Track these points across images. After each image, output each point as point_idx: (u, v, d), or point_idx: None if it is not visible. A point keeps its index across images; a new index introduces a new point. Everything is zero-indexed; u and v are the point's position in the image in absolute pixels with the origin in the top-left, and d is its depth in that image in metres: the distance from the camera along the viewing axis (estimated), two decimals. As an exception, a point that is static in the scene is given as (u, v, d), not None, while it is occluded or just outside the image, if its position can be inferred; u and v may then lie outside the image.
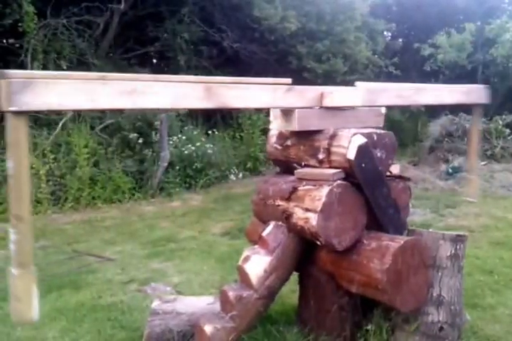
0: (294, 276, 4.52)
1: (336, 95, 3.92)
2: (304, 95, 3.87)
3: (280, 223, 4.18)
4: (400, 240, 3.77)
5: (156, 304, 4.67)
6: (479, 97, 4.89)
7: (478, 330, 4.90)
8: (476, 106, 5.01)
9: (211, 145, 13.92)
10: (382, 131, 4.00)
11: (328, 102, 3.92)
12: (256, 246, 4.25)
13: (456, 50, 18.58)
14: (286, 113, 3.95)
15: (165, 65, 16.99)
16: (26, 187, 2.77)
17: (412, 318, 3.97)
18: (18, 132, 2.71)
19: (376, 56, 19.21)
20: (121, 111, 13.20)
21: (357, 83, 4.22)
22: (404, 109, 19.28)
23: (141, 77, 3.23)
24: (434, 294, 3.97)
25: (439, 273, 3.98)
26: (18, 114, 2.70)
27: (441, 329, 3.93)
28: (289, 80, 3.80)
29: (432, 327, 3.94)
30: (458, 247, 3.98)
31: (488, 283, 6.19)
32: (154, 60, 18.58)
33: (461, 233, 4.10)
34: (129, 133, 12.96)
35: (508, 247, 7.66)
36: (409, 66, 20.11)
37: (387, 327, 4.02)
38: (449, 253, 3.97)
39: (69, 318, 5.40)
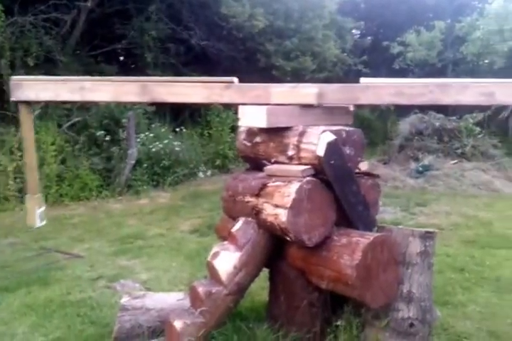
0: (264, 273, 4.57)
1: (284, 94, 4.01)
2: (245, 93, 4.10)
3: (250, 219, 4.22)
4: (370, 236, 3.82)
5: (125, 300, 4.69)
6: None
7: (448, 327, 5.02)
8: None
9: (179, 143, 13.94)
10: (351, 129, 4.06)
11: (274, 100, 4.04)
12: (225, 242, 4.28)
13: (425, 48, 18.80)
14: (255, 110, 4.00)
15: (132, 62, 16.95)
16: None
17: (382, 314, 4.02)
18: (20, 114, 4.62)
19: (345, 54, 19.38)
20: (86, 108, 13.20)
21: (362, 79, 4.25)
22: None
23: (92, 78, 4.66)
24: (404, 290, 4.02)
25: (409, 270, 4.03)
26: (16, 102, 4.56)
27: (411, 325, 3.99)
28: (234, 79, 4.14)
29: (402, 323, 4.00)
30: (427, 244, 4.04)
31: (459, 280, 6.32)
32: (121, 58, 18.49)
33: (430, 230, 4.17)
34: (96, 130, 12.97)
35: (478, 245, 7.82)
36: (379, 64, 20.29)
37: (357, 323, 4.06)
38: (418, 250, 4.03)
39: (38, 314, 5.43)
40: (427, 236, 4.04)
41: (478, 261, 7.05)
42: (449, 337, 4.82)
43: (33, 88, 4.43)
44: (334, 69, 18.87)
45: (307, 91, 4.06)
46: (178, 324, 3.95)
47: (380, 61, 20.98)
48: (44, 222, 4.88)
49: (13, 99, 4.47)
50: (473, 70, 19.13)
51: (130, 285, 6.00)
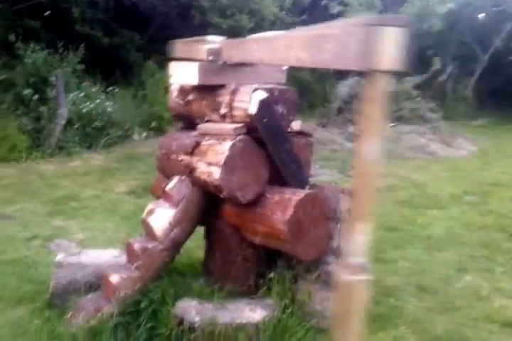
0: (200, 232, 4.82)
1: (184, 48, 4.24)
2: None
3: (184, 177, 4.45)
4: (302, 193, 4.09)
5: (60, 257, 4.85)
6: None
7: (378, 282, 5.32)
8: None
9: (112, 103, 13.79)
10: (284, 87, 4.23)
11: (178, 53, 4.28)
12: (160, 200, 4.52)
13: (365, 8, 18.90)
14: (186, 67, 4.17)
15: (57, 17, 16.55)
16: None
17: (313, 268, 4.33)
18: None
19: (284, 13, 19.18)
20: (11, 65, 13.01)
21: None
22: (312, 69, 19.61)
23: None
24: (334, 245, 4.31)
25: (339, 225, 4.31)
26: None
27: (340, 277, 4.32)
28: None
29: (332, 275, 4.31)
30: (357, 201, 4.34)
31: (391, 238, 6.70)
32: (47, 12, 18.03)
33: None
34: (23, 89, 12.71)
35: (411, 206, 8.27)
36: (317, 23, 20.35)
37: (289, 276, 4.34)
38: (348, 207, 4.29)
39: (-29, 272, 5.52)
40: (356, 194, 4.33)
41: (410, 220, 7.47)
42: (379, 290, 5.10)
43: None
44: (272, 28, 18.55)
45: (201, 47, 4.19)
46: (114, 278, 4.18)
47: (319, 21, 20.78)
48: None
49: None
50: (413, 32, 19.37)
51: (66, 245, 6.11)
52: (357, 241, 2.60)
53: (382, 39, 2.36)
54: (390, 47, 2.39)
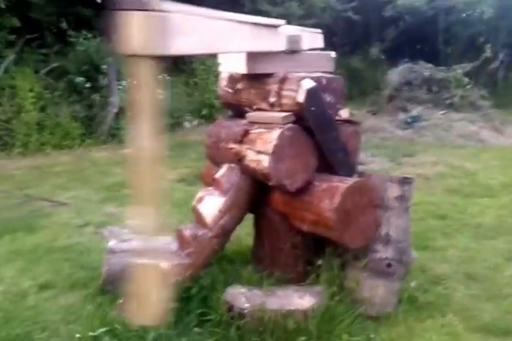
0: (250, 220, 4.87)
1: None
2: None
3: (233, 165, 4.49)
4: (349, 181, 4.14)
5: (113, 243, 4.96)
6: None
7: (427, 269, 5.37)
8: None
9: (163, 91, 13.80)
10: (331, 76, 4.26)
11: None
12: (210, 188, 4.57)
13: (417, -3, 18.66)
14: (235, 55, 4.20)
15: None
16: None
17: (361, 255, 4.36)
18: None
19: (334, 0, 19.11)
20: (64, 54, 13.15)
21: None
22: (365, 56, 19.51)
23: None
24: (382, 233, 4.34)
25: (387, 213, 4.35)
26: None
27: (388, 265, 4.33)
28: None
29: (380, 263, 4.34)
30: (405, 189, 4.35)
31: (441, 227, 6.66)
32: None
33: (408, 175, 4.49)
34: (76, 76, 12.87)
35: (462, 194, 8.17)
36: (369, 11, 20.18)
37: (337, 263, 4.38)
38: (396, 195, 4.34)
39: (26, 259, 5.65)
40: (404, 182, 4.34)
41: (461, 209, 7.39)
42: (427, 278, 5.14)
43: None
44: (323, 15, 18.59)
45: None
46: (165, 265, 4.26)
47: (370, 8, 20.79)
48: None
49: None
50: (465, 19, 19.16)
51: (118, 232, 6.21)
52: (139, 224, 2.65)
53: (131, 23, 2.42)
54: (139, 31, 2.43)
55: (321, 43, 4.94)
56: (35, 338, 4.15)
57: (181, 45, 2.75)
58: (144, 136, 2.56)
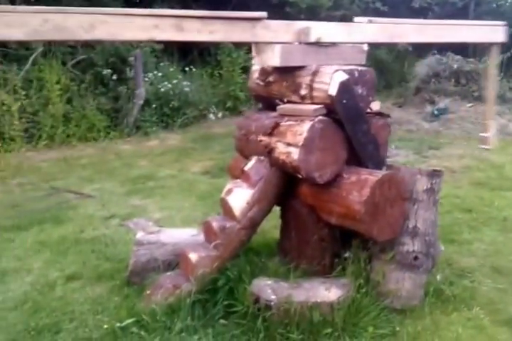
0: (274, 212, 4.88)
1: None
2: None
3: (262, 158, 4.52)
4: (378, 174, 4.13)
5: (140, 235, 5.03)
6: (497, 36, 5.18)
7: (453, 263, 5.39)
8: (493, 46, 5.29)
9: (188, 83, 13.95)
10: (363, 68, 4.22)
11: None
12: (239, 180, 4.60)
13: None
14: (269, 48, 4.21)
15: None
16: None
17: (388, 248, 4.38)
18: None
19: (363, -9, 19.00)
20: (92, 46, 13.23)
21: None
22: (391, 48, 19.39)
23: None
24: (410, 225, 4.35)
25: (415, 206, 4.36)
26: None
27: (415, 258, 4.35)
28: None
29: (407, 256, 4.35)
30: (433, 182, 4.34)
31: (467, 220, 6.65)
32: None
33: (437, 168, 4.49)
34: (102, 69, 13.00)
35: (488, 187, 8.14)
36: (398, 2, 20.05)
37: (364, 256, 4.41)
38: (425, 188, 4.34)
39: (53, 251, 5.76)
40: (433, 175, 4.33)
41: (487, 202, 7.36)
42: (453, 271, 5.17)
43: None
44: (351, 6, 18.41)
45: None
46: (193, 256, 4.30)
47: (398, -1, 20.72)
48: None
49: None
50: (496, 10, 18.99)
51: (144, 223, 6.26)
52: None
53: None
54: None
55: (501, 37, 5.16)
56: (64, 328, 4.24)
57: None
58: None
